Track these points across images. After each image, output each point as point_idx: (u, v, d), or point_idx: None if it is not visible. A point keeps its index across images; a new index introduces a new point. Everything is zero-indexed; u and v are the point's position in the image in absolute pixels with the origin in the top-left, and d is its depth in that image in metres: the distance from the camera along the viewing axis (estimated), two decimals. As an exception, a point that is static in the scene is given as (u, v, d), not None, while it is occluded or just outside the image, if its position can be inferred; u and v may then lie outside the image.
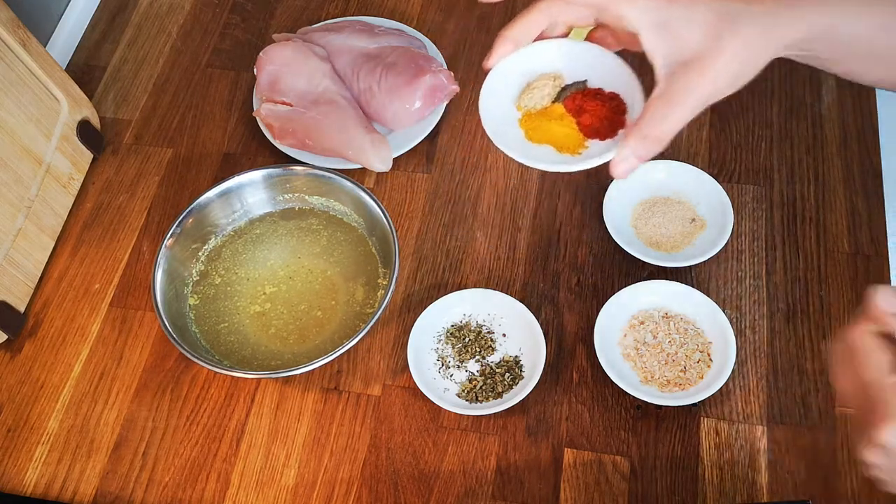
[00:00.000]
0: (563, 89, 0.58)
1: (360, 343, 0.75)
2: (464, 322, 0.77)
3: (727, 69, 0.49)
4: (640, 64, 0.54)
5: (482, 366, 0.75)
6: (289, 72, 0.89)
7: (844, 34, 0.50)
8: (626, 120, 0.55)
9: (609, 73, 0.57)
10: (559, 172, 0.55)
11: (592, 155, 0.55)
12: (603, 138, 0.56)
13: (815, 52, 0.52)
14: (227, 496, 0.72)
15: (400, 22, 0.97)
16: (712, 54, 0.48)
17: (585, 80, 0.58)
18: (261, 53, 0.91)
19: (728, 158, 0.86)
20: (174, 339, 0.73)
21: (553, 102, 0.58)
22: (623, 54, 0.57)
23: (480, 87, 0.58)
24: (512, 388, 0.73)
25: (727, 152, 0.87)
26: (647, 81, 0.53)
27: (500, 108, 0.58)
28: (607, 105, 0.56)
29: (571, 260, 0.81)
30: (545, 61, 0.58)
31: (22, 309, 0.81)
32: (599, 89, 0.57)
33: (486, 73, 0.57)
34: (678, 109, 0.49)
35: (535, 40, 0.56)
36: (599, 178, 0.86)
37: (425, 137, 0.88)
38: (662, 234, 0.80)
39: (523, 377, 0.74)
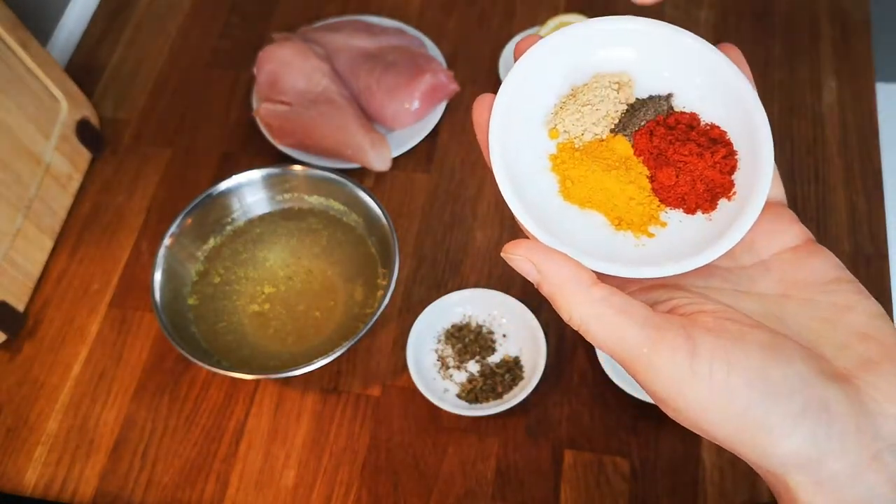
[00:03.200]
0: (633, 108, 0.35)
1: (359, 343, 0.75)
2: (464, 322, 0.77)
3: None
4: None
5: (482, 366, 0.75)
6: (288, 71, 0.89)
7: None
8: (732, 182, 0.33)
9: (714, 89, 0.34)
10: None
11: (667, 244, 0.32)
12: (691, 211, 0.33)
13: None
14: (226, 496, 0.72)
15: (400, 21, 0.97)
16: None
17: (670, 96, 0.35)
18: (260, 53, 0.91)
19: (728, 158, 0.86)
20: (173, 339, 0.73)
21: (613, 132, 0.35)
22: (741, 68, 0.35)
23: (497, 89, 0.34)
24: (512, 389, 0.73)
25: (727, 152, 0.86)
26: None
27: (521, 130, 0.34)
28: (708, 152, 0.33)
29: (571, 260, 0.81)
30: (608, 50, 0.35)
31: (21, 309, 0.81)
32: (693, 116, 0.34)
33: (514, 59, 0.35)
34: None
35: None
36: (599, 178, 0.86)
37: (425, 137, 0.88)
38: (662, 235, 0.80)
39: (523, 378, 0.74)
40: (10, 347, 0.80)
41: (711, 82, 0.34)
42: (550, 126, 0.34)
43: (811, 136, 0.87)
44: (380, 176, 0.88)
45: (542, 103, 0.35)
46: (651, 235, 0.33)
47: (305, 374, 0.73)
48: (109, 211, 0.88)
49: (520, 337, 0.76)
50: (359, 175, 0.87)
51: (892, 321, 0.33)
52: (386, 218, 0.77)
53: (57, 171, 0.85)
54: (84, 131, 0.89)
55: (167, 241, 0.78)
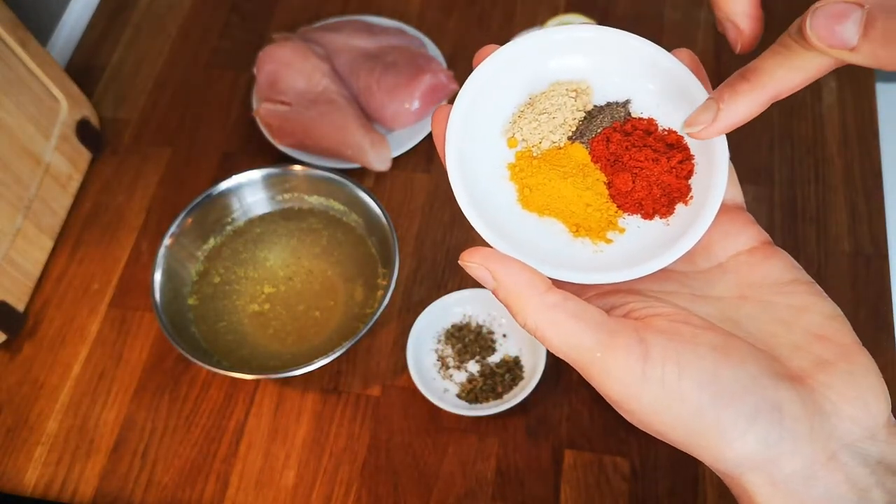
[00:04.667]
0: (590, 115, 0.35)
1: (359, 343, 0.75)
2: (464, 322, 0.77)
3: None
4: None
5: (482, 366, 0.75)
6: (288, 71, 0.89)
7: None
8: (689, 187, 0.33)
9: (670, 94, 0.34)
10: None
11: (625, 248, 0.32)
12: (649, 216, 0.33)
13: None
14: (226, 496, 0.72)
15: (400, 21, 0.97)
16: None
17: (628, 102, 0.35)
18: (260, 53, 0.91)
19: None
20: (173, 339, 0.73)
21: (570, 139, 0.34)
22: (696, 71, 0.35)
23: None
24: (512, 389, 0.73)
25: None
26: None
27: (479, 139, 0.34)
28: (665, 157, 0.33)
29: (571, 260, 0.81)
30: (564, 59, 0.35)
31: (21, 309, 0.81)
32: (651, 122, 0.34)
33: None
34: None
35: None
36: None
37: (425, 137, 0.88)
38: (662, 235, 0.80)
39: (523, 378, 0.74)
40: (10, 347, 0.80)
41: (667, 87, 0.34)
42: (509, 135, 0.34)
43: (811, 136, 0.87)
44: (380, 176, 0.88)
45: (501, 113, 0.35)
46: (609, 241, 0.33)
47: (305, 374, 0.73)
48: (109, 211, 0.88)
49: (520, 337, 0.76)
50: (359, 175, 0.87)
51: (849, 322, 0.32)
52: (386, 218, 0.77)
53: (57, 171, 0.85)
54: (84, 131, 0.89)
55: (167, 241, 0.78)
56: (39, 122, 0.82)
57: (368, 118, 0.88)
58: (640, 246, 0.32)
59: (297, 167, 0.82)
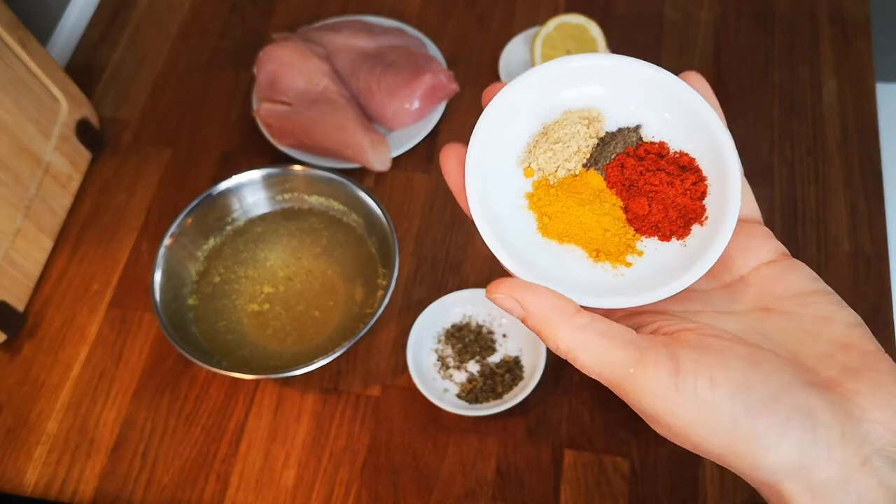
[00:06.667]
0: (603, 141, 0.35)
1: (359, 343, 0.75)
2: (464, 322, 0.77)
3: None
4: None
5: (482, 366, 0.75)
6: (288, 71, 0.89)
7: None
8: (703, 207, 0.33)
9: (680, 118, 0.35)
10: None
11: (645, 270, 0.33)
12: (665, 238, 0.34)
13: None
14: (226, 496, 0.72)
15: (399, 21, 0.97)
16: None
17: (639, 127, 0.35)
18: (260, 53, 0.91)
19: (728, 158, 0.86)
20: (173, 339, 0.73)
21: (585, 167, 0.35)
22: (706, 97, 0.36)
23: (475, 122, 0.34)
24: (512, 389, 0.73)
25: (727, 152, 0.86)
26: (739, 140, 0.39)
27: (496, 171, 0.34)
28: (678, 180, 0.34)
29: (571, 260, 0.81)
30: (576, 88, 0.35)
31: (21, 309, 0.81)
32: (662, 146, 0.35)
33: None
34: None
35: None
36: (599, 178, 0.86)
37: (425, 137, 0.88)
38: (662, 235, 0.80)
39: (523, 378, 0.74)
40: (10, 347, 0.80)
41: (677, 111, 0.35)
42: (525, 165, 0.35)
43: (811, 136, 0.87)
44: (380, 176, 0.88)
45: (515, 143, 0.35)
46: (628, 265, 0.33)
47: (305, 374, 0.73)
48: (109, 211, 0.88)
49: (520, 337, 0.76)
50: (359, 175, 0.87)
51: (870, 329, 0.33)
52: (386, 218, 0.77)
53: (57, 170, 0.85)
54: (84, 131, 0.89)
55: (167, 241, 0.78)
56: (39, 122, 0.82)
57: (368, 118, 0.88)
58: (659, 268, 0.33)
59: (297, 167, 0.82)
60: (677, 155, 0.34)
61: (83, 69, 0.99)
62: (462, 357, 0.75)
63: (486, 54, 0.96)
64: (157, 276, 0.76)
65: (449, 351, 0.76)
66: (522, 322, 0.31)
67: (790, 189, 0.84)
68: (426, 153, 0.89)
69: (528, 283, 0.31)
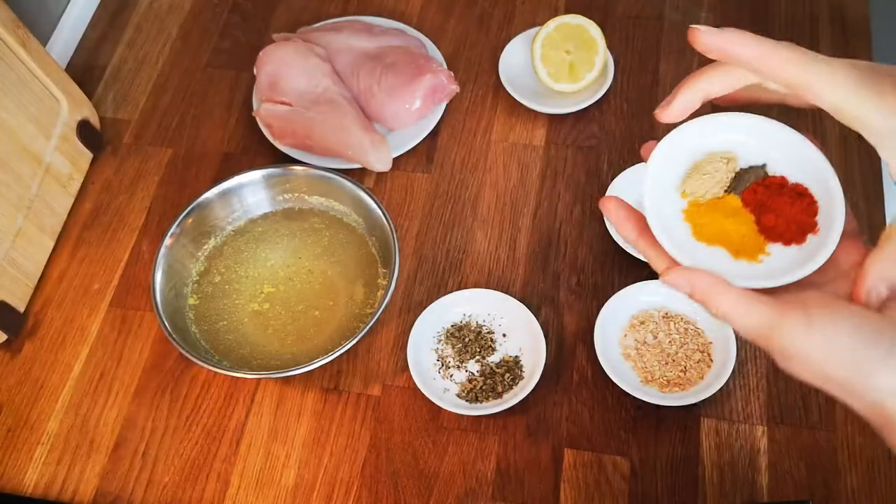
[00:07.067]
0: (738, 175, 0.48)
1: (359, 343, 0.75)
2: (464, 322, 0.77)
3: None
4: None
5: (482, 366, 0.75)
6: (289, 72, 0.89)
7: None
8: (816, 223, 0.46)
9: (795, 159, 0.48)
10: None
11: (780, 266, 0.45)
12: (787, 243, 0.46)
13: None
14: (226, 496, 0.72)
15: (400, 22, 0.97)
16: None
17: (764, 165, 0.48)
18: (261, 53, 0.91)
19: (728, 158, 0.86)
20: (174, 339, 0.73)
21: (726, 192, 0.48)
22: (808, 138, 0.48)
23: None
24: (512, 389, 0.73)
25: (727, 152, 0.87)
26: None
27: (661, 193, 0.47)
28: (797, 203, 0.47)
29: (571, 260, 0.81)
30: (717, 136, 0.48)
31: (22, 309, 0.81)
32: (783, 179, 0.48)
33: (664, 126, 0.47)
34: None
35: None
36: (600, 178, 0.86)
37: (425, 137, 0.88)
38: (662, 235, 0.80)
39: (523, 377, 0.74)
40: (11, 347, 0.80)
41: (791, 154, 0.48)
42: (681, 190, 0.48)
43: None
44: (380, 176, 0.88)
45: (674, 173, 0.48)
46: (760, 262, 0.46)
47: (306, 373, 0.73)
48: (110, 211, 0.88)
49: (520, 337, 0.76)
50: (359, 175, 0.87)
51: None
52: (386, 218, 0.77)
53: (57, 171, 0.85)
54: (84, 131, 0.89)
55: (168, 240, 0.78)
56: (40, 122, 0.83)
57: (369, 118, 0.89)
58: (783, 264, 0.45)
59: (298, 167, 0.82)
60: (794, 185, 0.47)
61: (83, 69, 0.99)
62: (462, 357, 0.75)
63: (486, 54, 0.96)
64: (158, 276, 0.76)
65: (449, 351, 0.76)
66: (689, 296, 0.43)
67: (790, 189, 0.84)
68: (426, 153, 0.89)
69: (693, 267, 0.43)
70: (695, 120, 0.48)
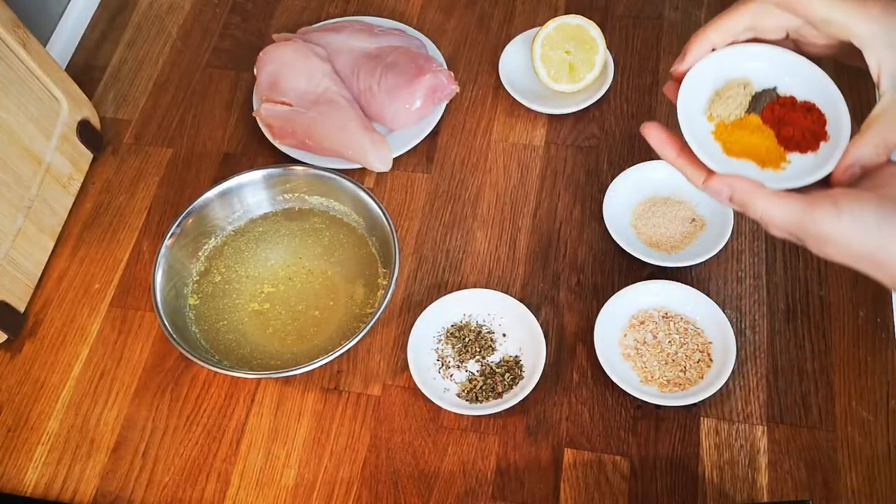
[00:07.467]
0: (755, 97, 0.56)
1: (360, 343, 0.75)
2: (464, 322, 0.77)
3: None
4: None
5: (482, 366, 0.75)
6: (289, 72, 0.89)
7: None
8: (826, 132, 0.54)
9: (802, 80, 0.55)
10: None
11: (800, 170, 0.52)
12: (804, 151, 0.53)
13: None
14: (227, 496, 0.72)
15: (400, 22, 0.97)
16: None
17: (775, 87, 0.56)
18: (261, 53, 0.91)
19: (728, 158, 0.86)
20: (174, 339, 0.73)
21: (747, 113, 0.55)
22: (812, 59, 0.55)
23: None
24: (512, 388, 0.73)
25: (727, 152, 0.87)
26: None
27: (691, 119, 0.55)
28: (809, 116, 0.55)
29: (571, 260, 0.81)
30: (732, 66, 0.56)
31: (22, 309, 0.81)
32: (793, 98, 0.55)
33: (677, 77, 0.55)
34: None
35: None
36: (600, 178, 0.86)
37: (425, 137, 0.88)
38: (662, 235, 0.80)
39: (523, 377, 0.74)
40: (11, 347, 0.81)
41: (799, 75, 0.55)
42: (708, 114, 0.55)
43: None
44: (380, 176, 0.88)
45: (700, 101, 0.55)
46: (783, 169, 0.52)
47: (306, 373, 0.73)
48: (110, 211, 0.88)
49: (520, 337, 0.76)
50: (359, 175, 0.87)
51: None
52: (386, 218, 0.77)
53: (58, 171, 0.85)
54: (84, 131, 0.89)
55: (168, 240, 0.78)
56: (40, 122, 0.83)
57: (369, 118, 0.89)
58: (803, 168, 0.52)
59: (298, 167, 0.82)
60: (803, 102, 0.54)
61: (83, 69, 0.99)
62: (462, 356, 0.75)
63: (486, 54, 0.96)
64: (158, 276, 0.76)
65: (449, 350, 0.76)
66: (728, 201, 0.49)
67: (790, 189, 0.84)
68: (426, 153, 0.89)
69: (730, 174, 0.50)
70: (711, 54, 0.55)
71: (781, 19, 0.54)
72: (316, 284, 0.80)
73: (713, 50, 0.55)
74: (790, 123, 0.54)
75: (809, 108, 0.55)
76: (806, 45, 0.56)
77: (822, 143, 0.53)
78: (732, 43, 0.55)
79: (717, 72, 0.56)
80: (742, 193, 0.49)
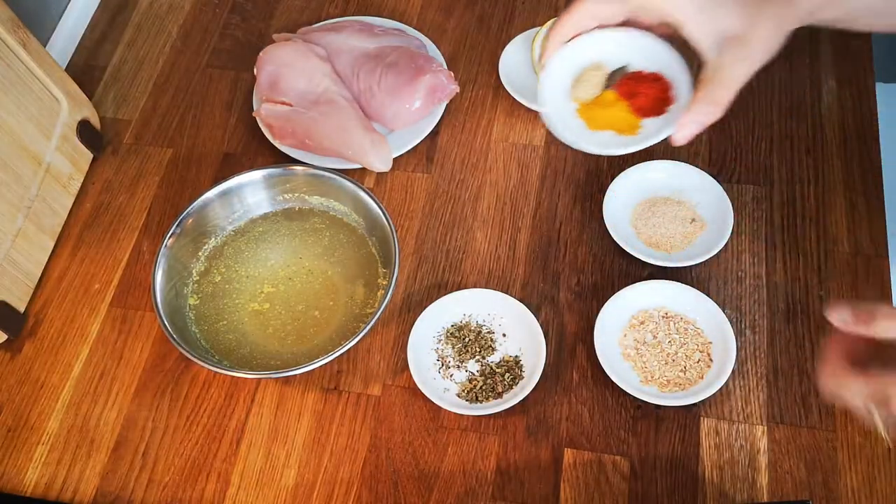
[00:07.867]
0: (609, 76, 0.65)
1: (360, 343, 0.75)
2: (464, 322, 0.77)
3: (763, 40, 0.59)
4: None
5: (482, 366, 0.75)
6: (289, 72, 0.89)
7: None
8: (672, 96, 0.63)
9: (646, 54, 0.64)
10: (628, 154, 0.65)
11: (652, 132, 0.62)
12: (657, 115, 0.63)
13: (832, 17, 0.61)
14: (227, 496, 0.72)
15: (400, 22, 0.97)
16: (749, 30, 0.59)
17: (626, 65, 0.65)
18: (261, 53, 0.91)
19: (728, 158, 0.86)
20: (174, 339, 0.73)
21: (604, 90, 0.65)
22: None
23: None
24: (512, 388, 0.73)
25: (727, 152, 0.87)
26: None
27: (557, 105, 0.65)
28: (655, 85, 0.63)
29: (571, 260, 0.81)
30: (585, 55, 0.65)
31: (22, 309, 0.81)
32: (640, 72, 0.64)
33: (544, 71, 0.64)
34: (732, 76, 0.59)
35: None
36: (600, 178, 0.86)
37: (425, 137, 0.88)
38: (662, 234, 0.80)
39: (523, 377, 0.74)
40: (11, 347, 0.81)
41: (643, 51, 0.64)
42: (572, 97, 0.65)
43: (811, 136, 0.87)
44: (380, 176, 0.88)
45: (563, 88, 0.66)
46: (638, 133, 0.63)
47: (306, 373, 0.73)
48: (110, 211, 0.88)
49: (520, 337, 0.76)
50: (359, 175, 0.87)
51: None
52: (386, 218, 0.77)
53: (58, 171, 0.85)
54: (84, 131, 0.89)
55: (168, 240, 0.78)
56: (40, 122, 0.83)
57: (369, 118, 0.89)
58: (655, 129, 0.62)
59: (298, 167, 0.82)
60: (650, 74, 0.64)
61: (83, 69, 0.99)
62: (462, 356, 0.75)
63: (486, 54, 0.96)
64: (158, 276, 0.76)
65: (449, 350, 0.76)
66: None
67: (790, 189, 0.84)
68: (426, 153, 0.89)
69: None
70: (563, 47, 0.64)
71: (616, 6, 0.62)
72: (316, 284, 0.80)
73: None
74: (640, 94, 0.64)
75: (657, 79, 0.64)
76: (643, 26, 0.63)
77: (669, 107, 0.62)
78: (581, 34, 0.64)
79: (571, 61, 0.65)
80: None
